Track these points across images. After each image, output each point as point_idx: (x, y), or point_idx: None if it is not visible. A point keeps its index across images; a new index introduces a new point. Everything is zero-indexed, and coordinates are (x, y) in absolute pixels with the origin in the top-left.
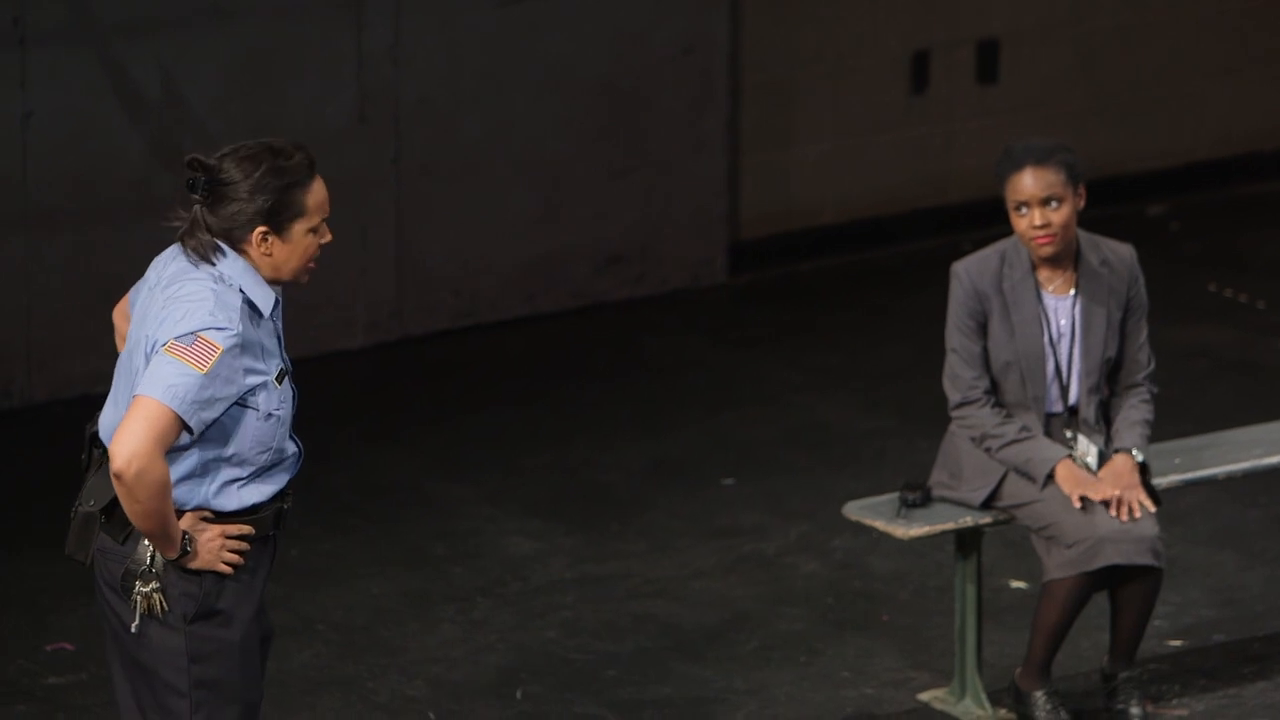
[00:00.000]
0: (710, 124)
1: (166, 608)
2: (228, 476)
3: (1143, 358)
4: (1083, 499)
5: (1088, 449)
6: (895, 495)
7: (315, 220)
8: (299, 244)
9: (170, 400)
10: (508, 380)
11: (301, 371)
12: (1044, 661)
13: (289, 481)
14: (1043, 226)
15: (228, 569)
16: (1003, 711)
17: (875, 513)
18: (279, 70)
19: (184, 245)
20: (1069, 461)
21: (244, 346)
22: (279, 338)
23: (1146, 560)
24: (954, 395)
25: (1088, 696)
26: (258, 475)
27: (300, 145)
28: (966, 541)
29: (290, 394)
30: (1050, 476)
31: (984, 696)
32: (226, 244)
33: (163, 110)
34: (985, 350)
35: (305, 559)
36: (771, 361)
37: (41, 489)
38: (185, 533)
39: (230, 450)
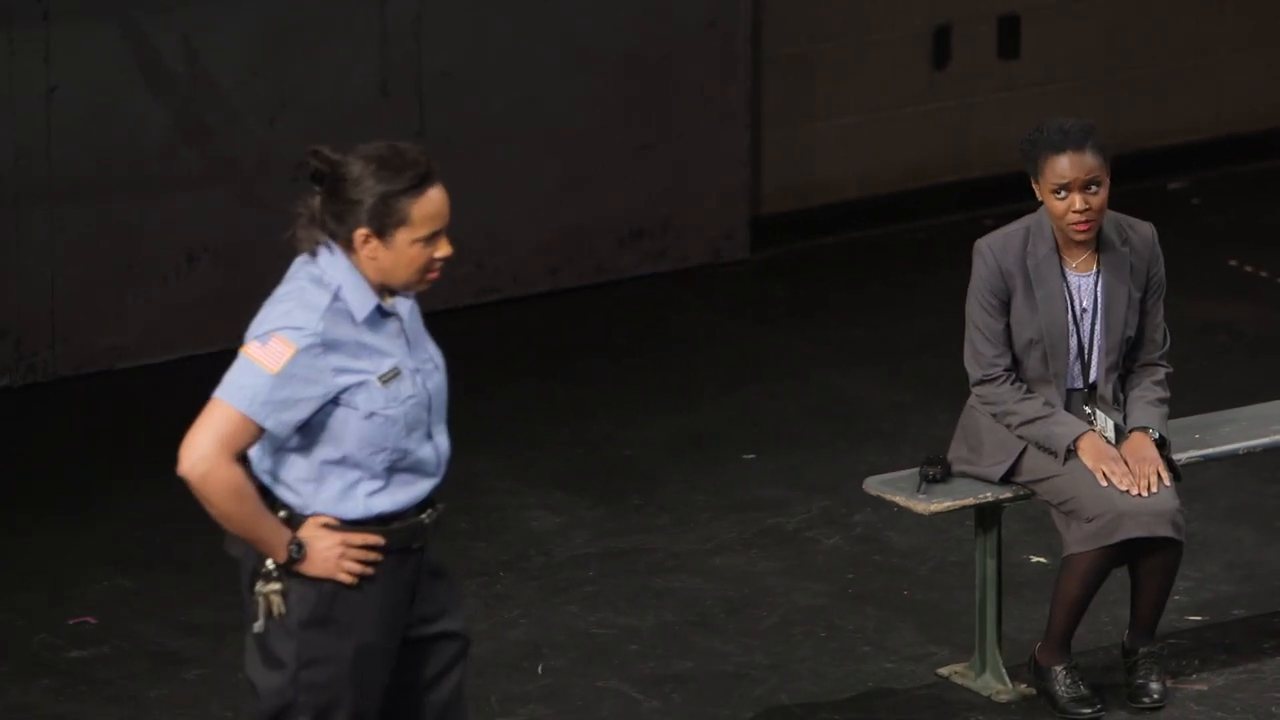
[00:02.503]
0: (732, 98)
1: (284, 610)
2: (347, 481)
3: (1159, 336)
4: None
5: (1105, 424)
6: (915, 470)
7: (422, 232)
8: (404, 253)
9: (238, 402)
10: (530, 355)
11: None
12: (1064, 636)
13: (432, 492)
14: (1083, 211)
15: (349, 578)
16: (1022, 686)
17: (895, 488)
18: (302, 43)
19: (298, 236)
20: (1092, 434)
21: (329, 346)
22: (406, 336)
23: (1167, 532)
24: (975, 372)
25: (1108, 671)
26: (389, 483)
27: (423, 152)
28: (986, 516)
29: (407, 394)
30: (1072, 451)
31: (1004, 671)
32: (335, 240)
33: (186, 84)
34: (1008, 327)
35: None
36: (792, 336)
37: (65, 462)
38: (295, 538)
39: (339, 452)
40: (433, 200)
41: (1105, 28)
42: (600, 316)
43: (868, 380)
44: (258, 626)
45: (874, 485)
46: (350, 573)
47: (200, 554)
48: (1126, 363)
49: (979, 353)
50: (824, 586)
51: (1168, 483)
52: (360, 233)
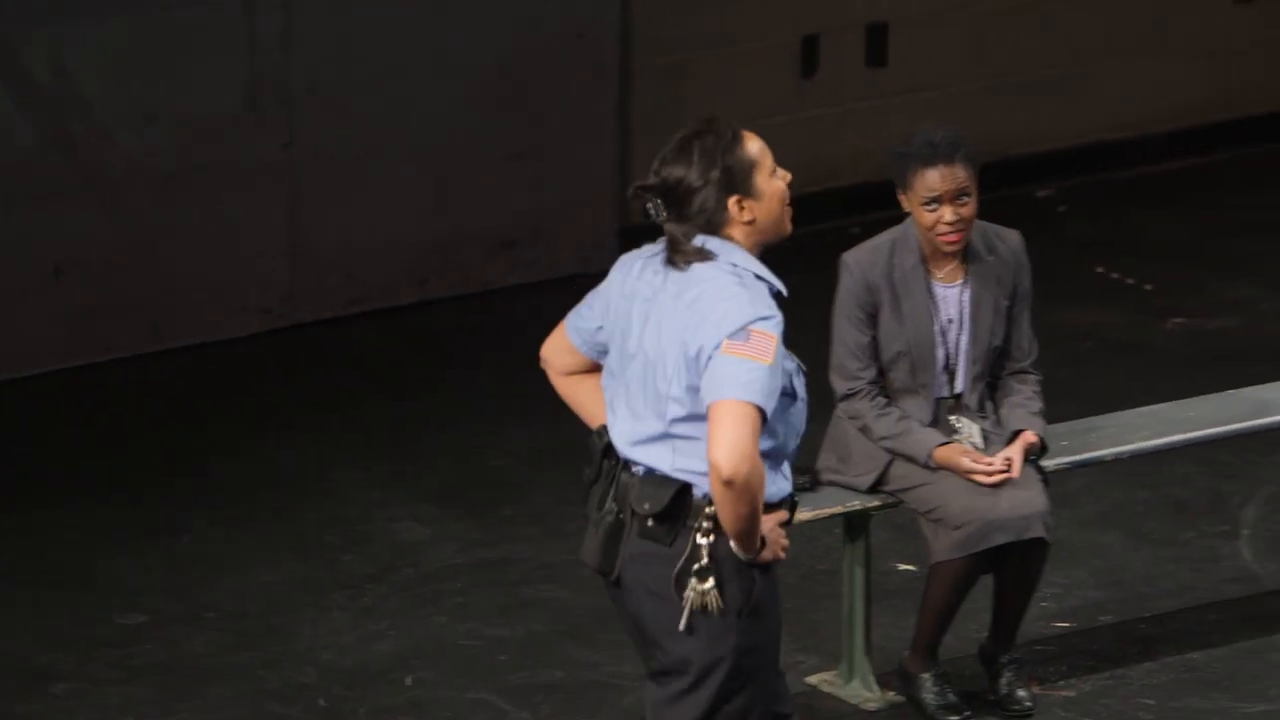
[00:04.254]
0: (602, 108)
1: (721, 605)
2: (772, 465)
3: (1026, 344)
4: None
5: (971, 430)
6: None
7: (767, 163)
8: (768, 191)
9: (752, 397)
10: (400, 366)
11: (194, 358)
12: (932, 644)
13: None
14: (953, 222)
15: (783, 556)
16: (891, 694)
17: None
18: (170, 54)
19: (673, 264)
20: (945, 446)
21: (783, 331)
22: None
23: (1038, 533)
24: (839, 387)
25: (975, 679)
26: (784, 463)
27: (707, 117)
28: (854, 525)
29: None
30: (930, 466)
31: (872, 679)
32: (711, 233)
33: (52, 94)
34: (874, 340)
35: (196, 547)
36: None
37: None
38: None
39: (776, 441)
40: (751, 135)
41: (973, 36)
42: (470, 327)
43: None
44: (682, 626)
45: None
46: (785, 551)
47: (65, 569)
48: (995, 371)
49: (843, 366)
50: None
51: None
52: (733, 201)
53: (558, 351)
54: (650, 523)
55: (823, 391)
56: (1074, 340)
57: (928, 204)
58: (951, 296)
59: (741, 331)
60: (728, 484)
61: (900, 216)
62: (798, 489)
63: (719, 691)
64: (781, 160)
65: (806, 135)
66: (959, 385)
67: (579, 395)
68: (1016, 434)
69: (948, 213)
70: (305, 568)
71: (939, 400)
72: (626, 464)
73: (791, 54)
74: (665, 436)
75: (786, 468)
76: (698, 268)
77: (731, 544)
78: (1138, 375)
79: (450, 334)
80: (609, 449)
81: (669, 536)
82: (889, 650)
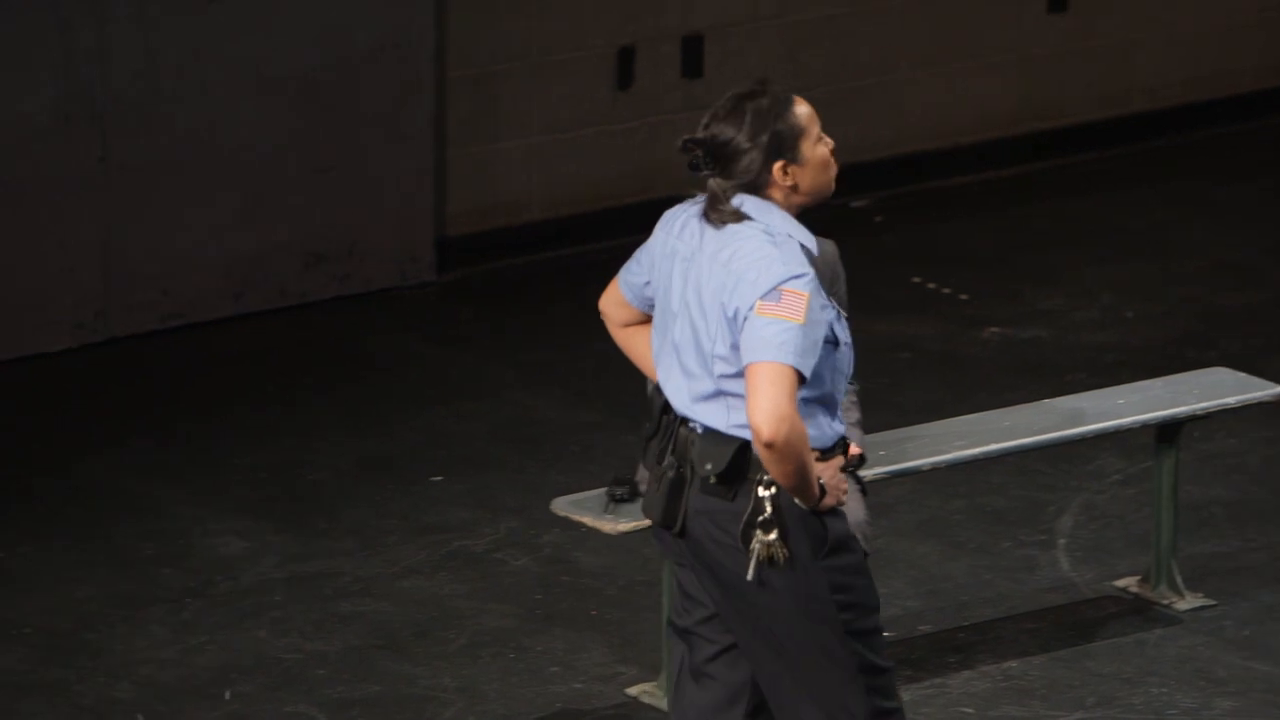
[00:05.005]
0: (415, 120)
1: (787, 554)
2: (819, 412)
3: None
4: None
5: None
6: (603, 491)
7: (814, 130)
8: (813, 158)
9: (785, 357)
10: (215, 380)
11: (5, 373)
12: None
13: None
14: None
15: (845, 500)
16: None
17: (583, 508)
18: None
19: (709, 220)
20: None
21: (818, 285)
22: None
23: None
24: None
25: None
26: (835, 407)
27: (760, 78)
28: None
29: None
30: None
31: None
32: (753, 194)
33: None
34: None
35: (8, 562)
36: (479, 358)
37: None
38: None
39: (824, 388)
40: (802, 101)
41: (788, 46)
42: (286, 341)
43: (555, 402)
44: (750, 576)
45: (562, 506)
46: (845, 494)
47: None
48: None
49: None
50: (512, 608)
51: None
52: (778, 166)
53: (614, 305)
54: (712, 479)
55: (641, 404)
56: (891, 350)
57: None
58: None
59: (774, 292)
60: (769, 446)
61: None
62: (616, 500)
63: (841, 626)
64: (596, 173)
65: (622, 147)
66: None
67: (638, 348)
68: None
69: None
70: (122, 582)
71: None
72: (683, 419)
73: (607, 65)
74: (719, 394)
75: (830, 411)
76: (733, 227)
77: (761, 491)
78: (954, 385)
79: (266, 348)
80: (668, 405)
81: (731, 492)
82: None
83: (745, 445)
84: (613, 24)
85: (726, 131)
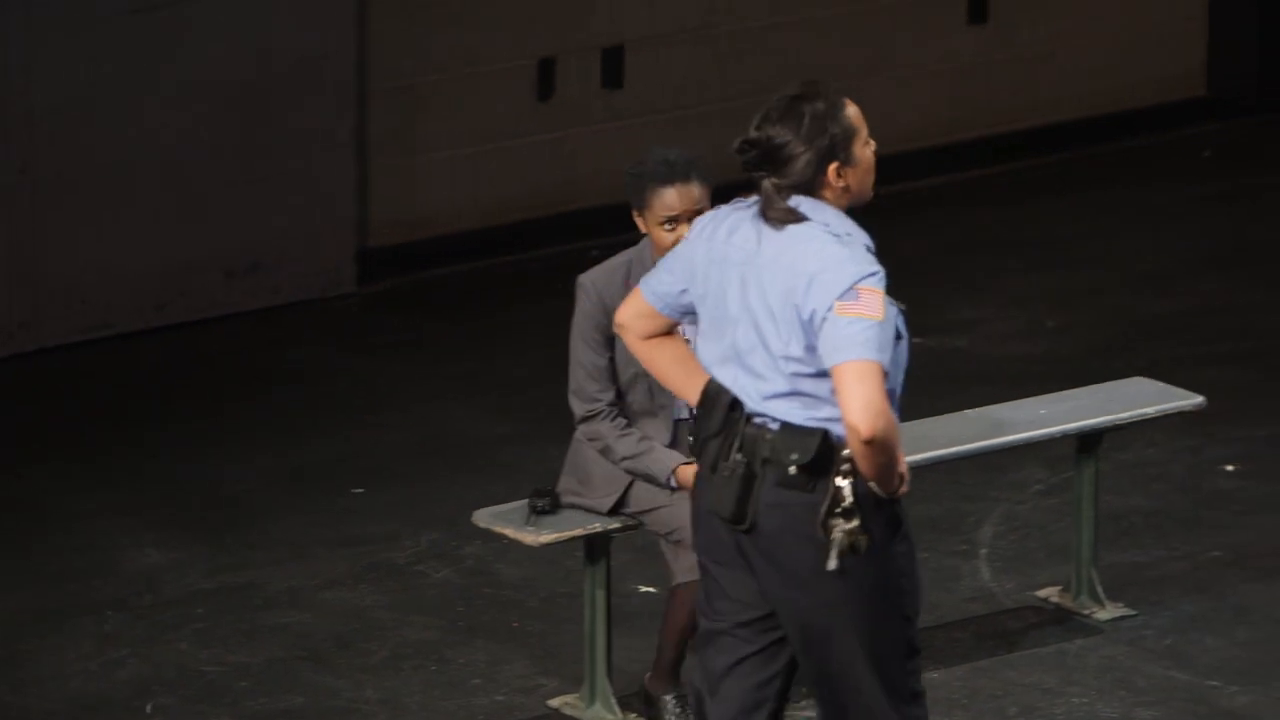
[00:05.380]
0: (339, 131)
1: (870, 541)
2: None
3: None
4: None
5: None
6: (525, 502)
7: (864, 131)
8: (863, 159)
9: (871, 354)
10: (139, 392)
11: None
12: (673, 665)
13: None
14: None
15: (907, 489)
16: (633, 716)
17: (505, 520)
18: None
19: (768, 221)
20: (686, 465)
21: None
22: None
23: None
24: (579, 409)
25: None
26: (894, 399)
27: (811, 80)
28: (595, 547)
29: None
30: (672, 484)
31: (614, 701)
32: (807, 194)
33: None
34: (612, 362)
35: None
36: (402, 370)
37: None
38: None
39: (890, 382)
40: (852, 104)
41: (709, 57)
42: (210, 352)
43: (479, 413)
44: (833, 565)
45: (483, 518)
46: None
47: None
48: None
49: (582, 389)
50: (434, 620)
51: None
52: (833, 168)
53: (636, 317)
54: (793, 470)
55: (565, 415)
56: None
57: (665, 223)
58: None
59: (850, 291)
60: (868, 443)
61: (639, 238)
62: (537, 512)
63: (908, 612)
64: (518, 184)
65: (544, 158)
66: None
67: (660, 360)
68: None
69: (685, 231)
70: (44, 595)
71: (678, 422)
72: (749, 417)
73: (528, 76)
74: (793, 394)
75: (897, 404)
76: (792, 229)
77: (871, 484)
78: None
79: (191, 359)
80: (736, 402)
81: (811, 483)
82: (631, 672)
83: (827, 435)
84: (534, 35)
85: (783, 134)
